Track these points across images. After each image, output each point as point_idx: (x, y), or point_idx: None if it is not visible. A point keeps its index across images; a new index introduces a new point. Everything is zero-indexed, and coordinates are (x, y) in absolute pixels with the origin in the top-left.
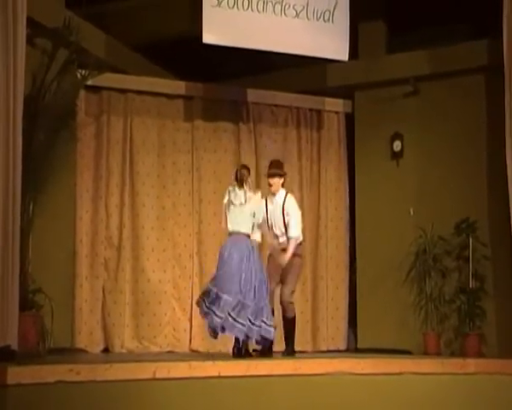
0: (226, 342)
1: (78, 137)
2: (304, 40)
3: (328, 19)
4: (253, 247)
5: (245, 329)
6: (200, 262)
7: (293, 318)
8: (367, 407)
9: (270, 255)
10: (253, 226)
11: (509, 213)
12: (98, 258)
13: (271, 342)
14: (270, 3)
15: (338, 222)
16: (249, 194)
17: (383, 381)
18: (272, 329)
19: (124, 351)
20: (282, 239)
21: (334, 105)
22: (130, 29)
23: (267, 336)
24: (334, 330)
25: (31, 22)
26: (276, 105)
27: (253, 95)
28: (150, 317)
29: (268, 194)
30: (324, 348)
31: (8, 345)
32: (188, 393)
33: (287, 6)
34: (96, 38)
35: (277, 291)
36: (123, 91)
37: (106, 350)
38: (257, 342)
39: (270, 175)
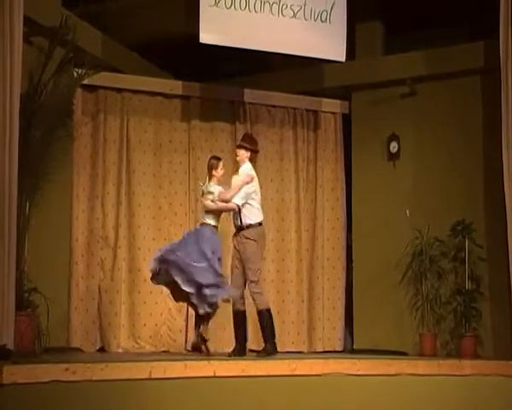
0: (222, 342)
1: (74, 136)
2: (301, 40)
3: (326, 19)
4: None
5: None
6: None
7: (267, 310)
8: (363, 408)
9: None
10: None
11: (505, 214)
12: (94, 257)
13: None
14: (267, 4)
15: (334, 222)
16: None
17: (379, 382)
18: None
19: (120, 351)
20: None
21: (331, 106)
22: (126, 28)
23: None
24: (331, 330)
25: (27, 21)
26: (273, 105)
27: (249, 95)
28: (146, 317)
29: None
30: (320, 349)
31: (4, 344)
32: (183, 393)
33: (284, 6)
34: (93, 37)
35: None
36: (119, 91)
37: (102, 350)
38: None
39: (237, 146)
